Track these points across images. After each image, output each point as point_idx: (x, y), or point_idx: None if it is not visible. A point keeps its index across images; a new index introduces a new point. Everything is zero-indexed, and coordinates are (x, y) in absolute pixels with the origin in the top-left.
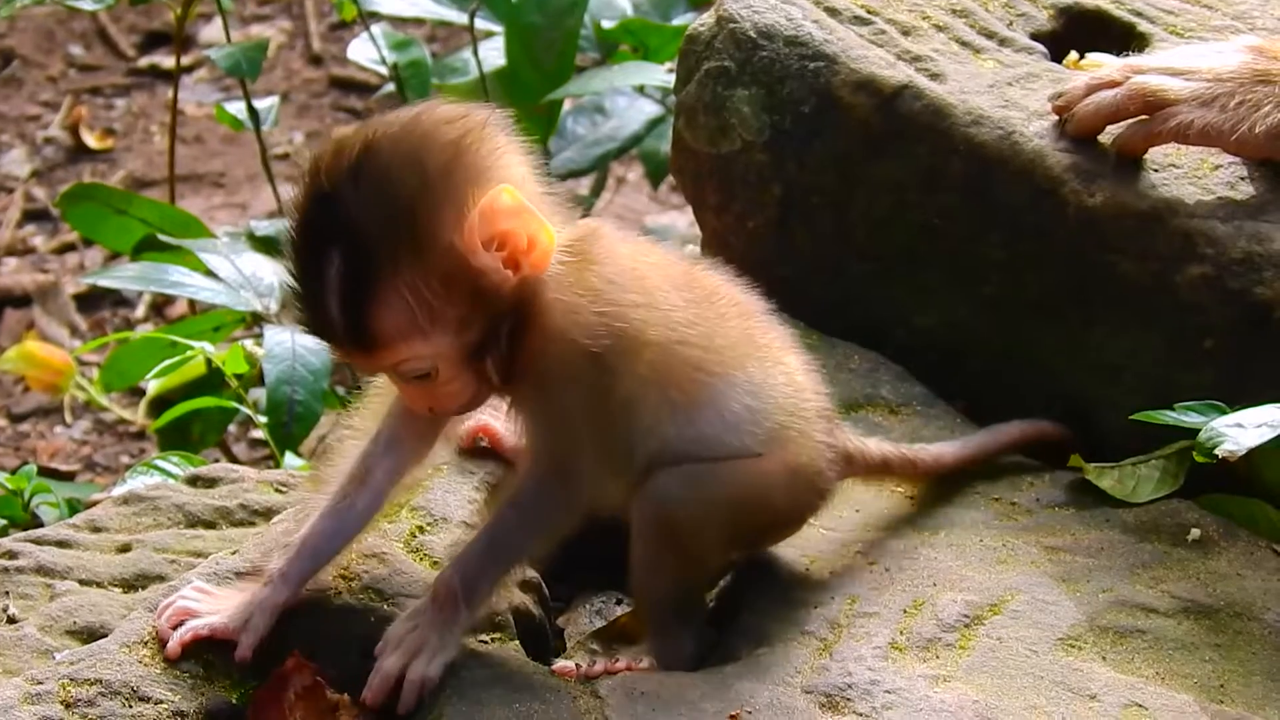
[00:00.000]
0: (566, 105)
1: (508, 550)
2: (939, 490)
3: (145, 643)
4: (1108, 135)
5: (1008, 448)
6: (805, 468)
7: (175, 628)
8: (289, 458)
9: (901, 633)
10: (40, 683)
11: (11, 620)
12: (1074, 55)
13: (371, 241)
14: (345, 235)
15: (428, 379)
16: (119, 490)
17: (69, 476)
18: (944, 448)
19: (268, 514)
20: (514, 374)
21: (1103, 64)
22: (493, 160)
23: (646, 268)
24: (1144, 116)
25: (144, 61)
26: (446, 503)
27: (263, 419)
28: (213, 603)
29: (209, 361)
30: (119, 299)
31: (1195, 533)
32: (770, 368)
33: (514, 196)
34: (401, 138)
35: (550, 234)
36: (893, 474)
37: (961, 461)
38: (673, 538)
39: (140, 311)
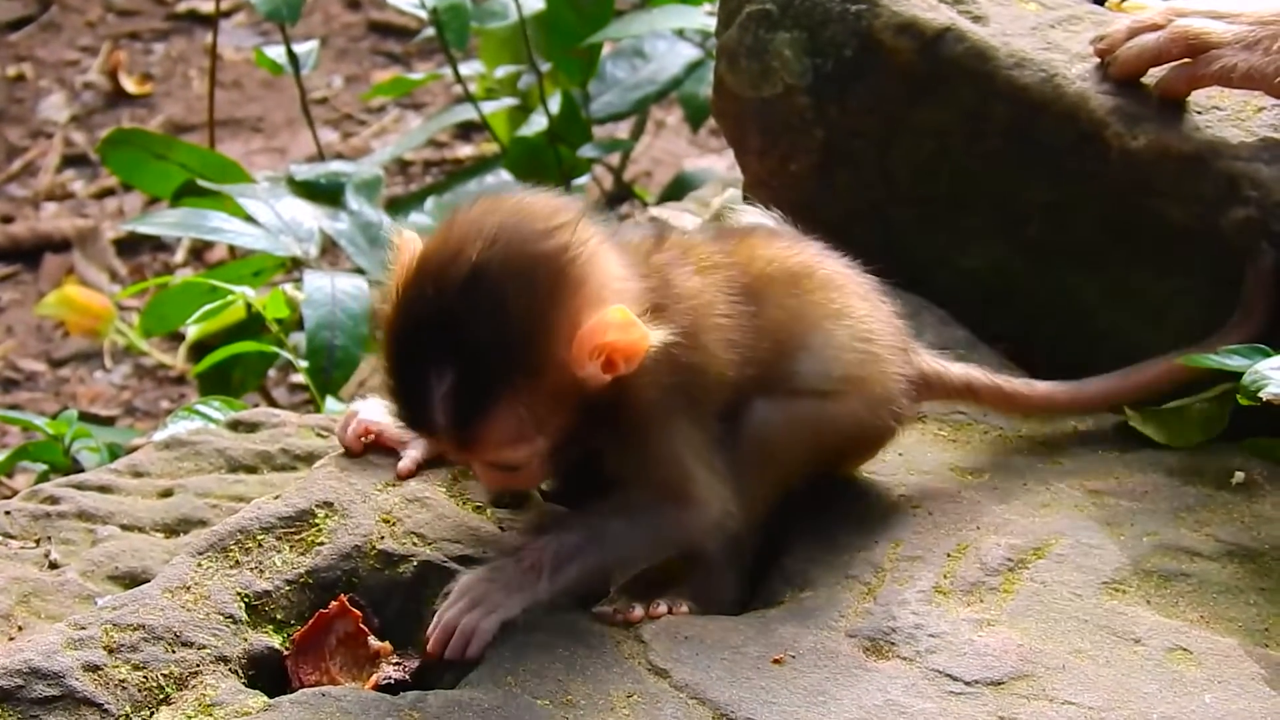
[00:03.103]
0: (606, 49)
1: (608, 551)
2: (981, 434)
3: (188, 587)
4: (1150, 78)
5: (1143, 391)
6: (881, 399)
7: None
8: (330, 402)
9: (945, 576)
10: (83, 628)
11: (53, 565)
12: None
13: (485, 362)
14: (457, 354)
15: (515, 470)
16: (160, 435)
17: (109, 421)
18: (1054, 387)
19: (309, 458)
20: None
21: (1145, 6)
22: (593, 265)
23: (708, 290)
24: (1187, 60)
25: (182, 6)
26: None
27: (303, 364)
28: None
29: (249, 306)
30: (158, 244)
31: (1239, 476)
32: (840, 322)
33: (623, 313)
34: (507, 258)
35: (646, 338)
36: (981, 400)
37: (1077, 403)
38: (765, 460)
39: (180, 256)
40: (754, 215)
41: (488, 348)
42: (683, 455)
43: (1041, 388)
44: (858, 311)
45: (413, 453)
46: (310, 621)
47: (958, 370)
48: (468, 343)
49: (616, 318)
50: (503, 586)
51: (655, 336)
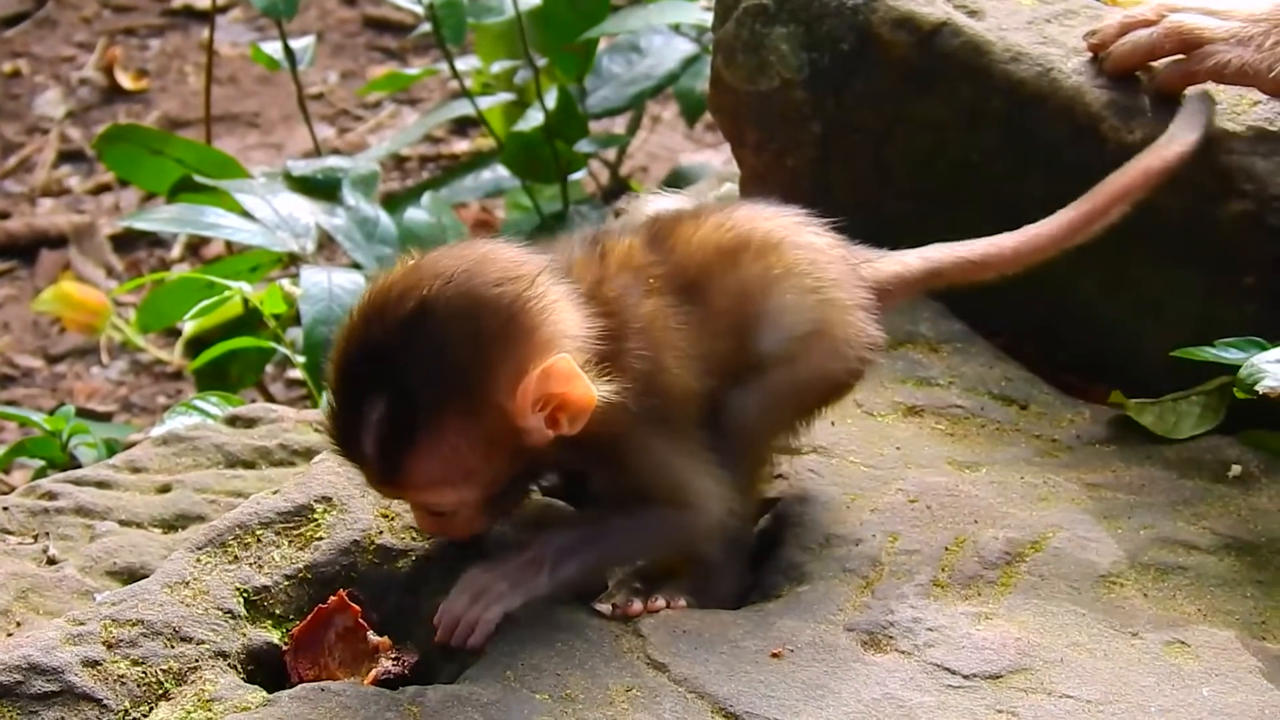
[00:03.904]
0: (602, 44)
1: (610, 549)
2: (979, 428)
3: (187, 583)
4: (1144, 72)
5: (1117, 203)
6: (845, 341)
7: None
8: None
9: (943, 570)
10: (82, 623)
11: (52, 561)
12: None
13: (418, 398)
14: (391, 387)
15: (446, 515)
16: (158, 431)
17: (106, 417)
18: (1021, 235)
19: (307, 454)
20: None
21: (1139, 0)
22: (544, 317)
23: (661, 312)
24: (1180, 55)
25: (178, 2)
26: None
27: (300, 359)
28: None
29: (246, 302)
30: (155, 240)
31: (1236, 469)
32: (787, 283)
33: (568, 364)
34: (456, 298)
35: (593, 396)
36: (951, 279)
37: (1054, 241)
38: (750, 447)
39: (176, 252)
40: (658, 201)
41: (422, 381)
42: (671, 465)
43: (1010, 241)
44: (801, 265)
45: None
46: (309, 616)
47: (916, 261)
48: (403, 374)
49: (562, 367)
50: (504, 578)
51: (601, 393)
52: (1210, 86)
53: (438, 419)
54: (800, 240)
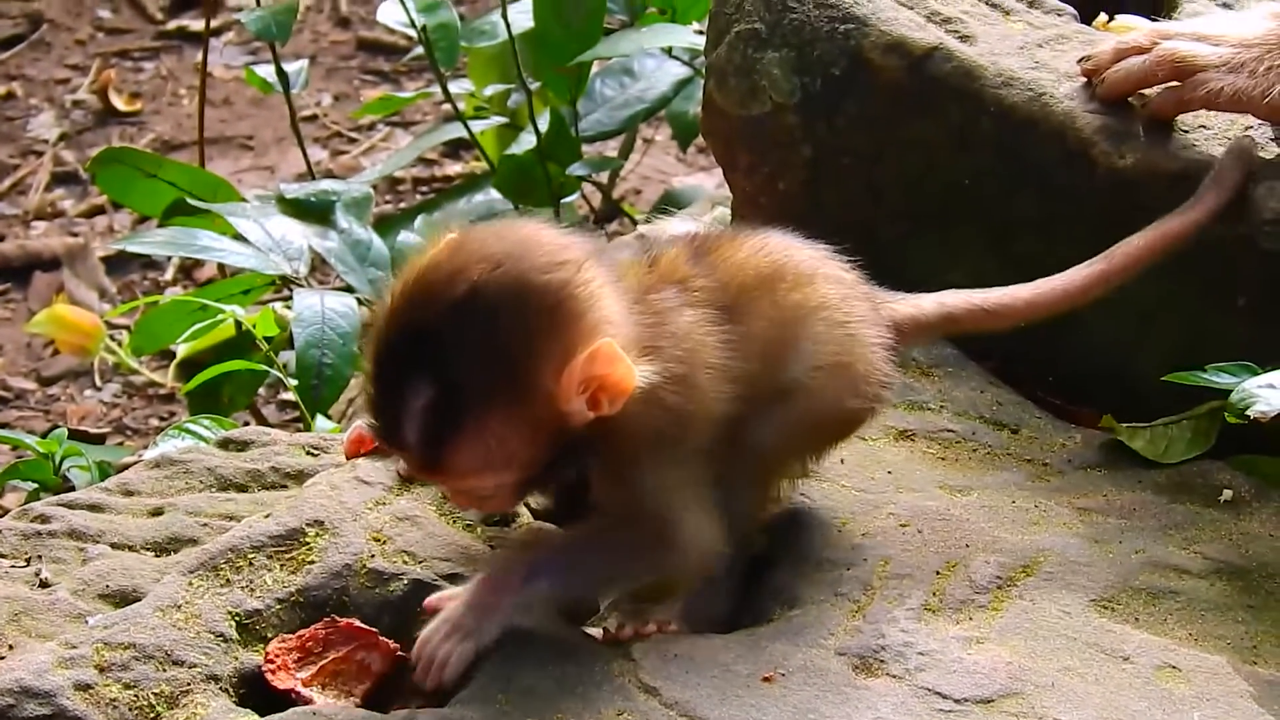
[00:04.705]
0: (595, 67)
1: (580, 580)
2: (970, 451)
3: (179, 606)
4: (1136, 97)
5: (1131, 268)
6: (865, 377)
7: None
8: (320, 420)
9: (934, 594)
10: (74, 647)
11: (44, 584)
12: (1103, 17)
13: (466, 384)
14: (438, 372)
15: (484, 497)
16: (150, 454)
17: (99, 439)
18: (1038, 287)
19: (300, 477)
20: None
21: (1132, 26)
22: (592, 303)
23: (700, 327)
24: (1174, 82)
25: (172, 24)
26: None
27: (293, 382)
28: None
29: (239, 324)
30: (148, 262)
31: (1227, 494)
32: (819, 314)
33: (612, 348)
34: (507, 283)
35: (634, 378)
36: (964, 326)
37: (1068, 296)
38: (763, 472)
39: (169, 274)
40: (677, 225)
41: (471, 370)
42: (669, 497)
43: (1025, 293)
44: (833, 298)
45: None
46: (299, 638)
47: (931, 305)
48: (452, 362)
49: (606, 351)
50: (469, 609)
51: (642, 374)
52: (1249, 152)
53: (485, 407)
54: (832, 275)
